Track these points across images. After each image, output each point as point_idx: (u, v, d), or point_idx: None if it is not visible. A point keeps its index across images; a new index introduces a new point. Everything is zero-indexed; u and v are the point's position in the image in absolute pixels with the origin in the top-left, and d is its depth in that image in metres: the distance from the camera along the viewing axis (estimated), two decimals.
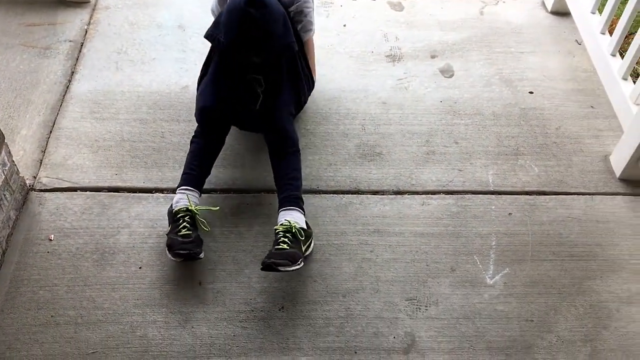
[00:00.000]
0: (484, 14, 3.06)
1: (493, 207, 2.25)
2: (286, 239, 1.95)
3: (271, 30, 2.03)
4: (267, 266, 1.90)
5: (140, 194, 2.24)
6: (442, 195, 2.28)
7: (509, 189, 2.30)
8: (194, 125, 2.23)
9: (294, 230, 1.97)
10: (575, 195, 2.29)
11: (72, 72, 2.67)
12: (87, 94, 2.58)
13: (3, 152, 2.04)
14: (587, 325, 1.96)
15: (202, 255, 2.01)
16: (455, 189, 2.30)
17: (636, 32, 2.34)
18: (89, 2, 3.01)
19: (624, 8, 2.46)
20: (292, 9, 2.16)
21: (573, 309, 1.99)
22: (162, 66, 2.71)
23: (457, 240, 2.15)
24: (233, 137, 2.40)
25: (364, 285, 2.02)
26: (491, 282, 2.05)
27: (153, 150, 2.37)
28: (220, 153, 2.27)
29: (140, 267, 2.05)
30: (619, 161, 2.34)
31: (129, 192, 2.25)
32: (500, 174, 2.35)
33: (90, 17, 2.95)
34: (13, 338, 1.88)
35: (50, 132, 2.43)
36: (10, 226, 2.10)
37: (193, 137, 2.20)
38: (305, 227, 2.03)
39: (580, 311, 1.99)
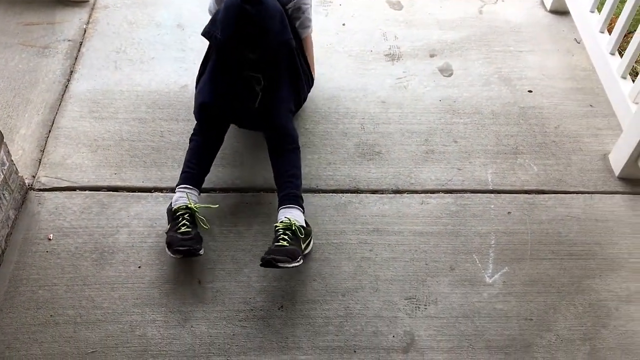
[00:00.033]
0: (483, 13, 3.06)
1: (492, 206, 2.25)
2: (286, 236, 1.95)
3: (268, 27, 2.03)
4: (266, 262, 1.90)
5: (139, 193, 2.24)
6: (441, 194, 2.28)
7: (508, 187, 2.30)
8: (193, 124, 2.23)
9: (293, 228, 1.97)
10: (575, 194, 2.29)
11: (71, 72, 2.67)
12: (86, 93, 2.58)
13: (2, 152, 2.04)
14: (586, 324, 1.96)
15: (201, 252, 2.01)
16: (455, 187, 2.30)
17: (635, 30, 2.34)
18: (88, 1, 3.00)
19: (623, 7, 2.46)
20: (289, 5, 2.16)
21: (572, 307, 1.99)
22: (161, 65, 2.71)
23: (456, 239, 2.15)
24: (232, 136, 2.40)
25: (363, 285, 2.03)
26: (490, 281, 2.05)
27: (152, 150, 2.37)
28: (220, 152, 2.27)
29: (139, 267, 2.05)
30: (618, 160, 2.34)
31: (128, 192, 2.25)
32: (500, 172, 2.35)
33: (89, 17, 2.95)
34: (12, 337, 1.88)
35: (49, 131, 2.43)
36: (10, 225, 2.10)
37: (192, 134, 2.20)
38: (304, 225, 2.03)
39: (579, 310, 1.99)
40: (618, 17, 2.48)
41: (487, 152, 2.42)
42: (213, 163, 2.20)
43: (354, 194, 2.27)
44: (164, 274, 2.03)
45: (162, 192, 2.24)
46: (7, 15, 2.92)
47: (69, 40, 2.82)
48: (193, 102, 2.26)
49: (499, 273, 2.07)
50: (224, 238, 2.12)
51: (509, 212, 2.23)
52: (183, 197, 2.05)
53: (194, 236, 1.99)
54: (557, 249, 2.13)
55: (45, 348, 1.86)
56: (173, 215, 2.02)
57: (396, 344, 1.90)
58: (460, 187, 2.30)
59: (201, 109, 2.18)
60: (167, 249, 1.99)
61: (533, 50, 2.85)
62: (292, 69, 2.27)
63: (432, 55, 2.82)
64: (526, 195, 2.28)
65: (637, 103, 2.30)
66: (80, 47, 2.79)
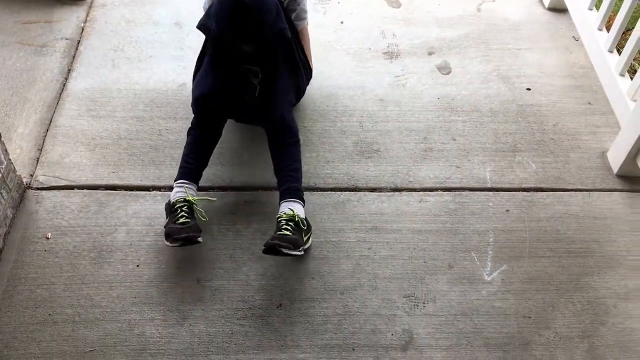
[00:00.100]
0: (482, 11, 3.05)
1: (490, 204, 2.25)
2: (289, 227, 1.96)
3: (263, 19, 2.03)
4: (269, 247, 1.90)
5: (137, 192, 2.24)
6: (440, 192, 2.28)
7: (507, 185, 2.30)
8: (191, 122, 2.23)
9: (296, 219, 1.98)
10: (573, 192, 2.29)
11: (69, 70, 2.67)
12: (84, 92, 2.57)
13: (0, 150, 2.04)
14: (584, 321, 1.96)
15: (200, 240, 2.00)
16: (453, 185, 2.30)
17: (633, 28, 2.34)
18: None
19: (621, 4, 2.46)
20: None
21: (570, 305, 1.99)
22: (158, 64, 2.70)
23: (455, 237, 2.15)
24: (231, 135, 2.40)
25: (362, 283, 2.03)
26: (489, 279, 2.05)
27: (150, 148, 2.37)
28: (218, 150, 2.26)
29: (137, 265, 2.05)
30: (616, 157, 2.34)
31: (126, 190, 2.25)
32: (498, 170, 2.35)
33: (87, 15, 2.94)
34: (11, 336, 1.88)
35: (47, 130, 2.43)
36: (8, 224, 2.10)
37: (190, 128, 2.20)
38: (305, 218, 2.04)
39: (577, 307, 1.99)
40: (616, 14, 2.48)
41: (485, 150, 2.42)
42: (211, 161, 2.20)
43: (352, 192, 2.27)
44: (163, 273, 2.03)
45: (160, 191, 2.24)
46: (5, 14, 2.92)
47: (66, 39, 2.81)
48: (191, 101, 2.25)
49: (498, 271, 2.07)
50: (222, 237, 2.12)
51: (507, 210, 2.23)
52: (181, 191, 2.05)
53: (193, 226, 1.99)
54: (556, 246, 2.14)
55: (43, 347, 1.86)
56: (171, 208, 2.03)
57: (395, 342, 1.90)
58: (458, 185, 2.30)
59: (198, 102, 2.18)
60: (165, 240, 1.98)
61: (531, 48, 2.85)
62: (290, 60, 2.27)
63: (430, 53, 2.82)
64: (524, 193, 2.28)
65: (635, 100, 2.30)
66: (77, 46, 2.78)
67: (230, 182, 2.28)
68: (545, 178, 2.33)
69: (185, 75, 2.63)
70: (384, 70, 2.73)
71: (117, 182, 2.27)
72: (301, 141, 2.21)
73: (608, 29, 2.57)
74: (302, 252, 1.96)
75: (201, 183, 2.15)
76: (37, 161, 2.32)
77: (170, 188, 2.14)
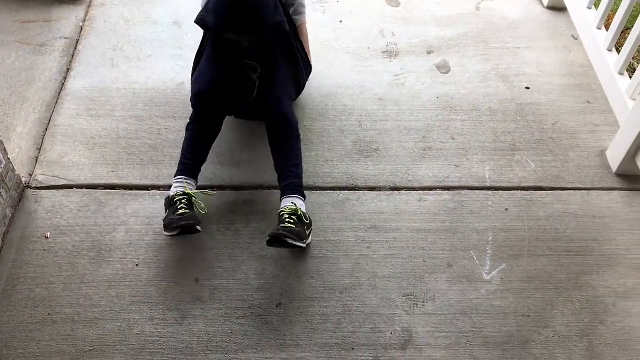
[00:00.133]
0: (480, 10, 3.05)
1: (490, 203, 2.25)
2: (292, 220, 1.97)
3: (261, 12, 2.04)
4: (274, 237, 1.91)
5: (136, 191, 2.24)
6: (439, 191, 2.28)
7: (506, 184, 2.30)
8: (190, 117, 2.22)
9: (299, 213, 1.99)
10: (572, 191, 2.30)
11: (68, 69, 2.67)
12: (83, 91, 2.57)
13: None
14: (583, 320, 1.96)
15: (199, 229, 2.01)
16: (452, 184, 2.30)
17: (632, 27, 2.34)
18: None
19: (620, 3, 2.46)
20: None
21: (570, 304, 2.00)
22: (157, 63, 2.70)
23: (454, 236, 2.15)
24: (230, 134, 2.40)
25: (361, 282, 2.03)
26: (488, 278, 2.05)
27: (149, 148, 2.37)
28: (217, 150, 2.26)
29: (137, 265, 2.05)
30: (615, 156, 2.34)
31: (126, 190, 2.25)
32: (497, 169, 2.35)
33: (86, 14, 2.94)
34: (10, 336, 1.88)
35: (46, 129, 2.43)
36: (7, 224, 2.10)
37: (188, 124, 2.20)
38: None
39: (576, 306, 1.99)
40: (615, 13, 2.48)
41: (484, 149, 2.42)
42: (210, 160, 2.20)
43: (351, 192, 2.27)
44: (162, 272, 2.03)
45: (159, 190, 2.24)
46: (4, 13, 2.91)
47: (65, 38, 2.81)
48: (190, 97, 2.24)
49: (497, 270, 2.07)
50: (221, 236, 2.12)
51: (506, 209, 2.23)
52: (181, 186, 2.07)
53: (192, 216, 2.00)
54: (555, 245, 2.14)
55: (43, 346, 1.86)
56: (170, 201, 2.04)
57: (394, 340, 1.90)
58: (457, 184, 2.30)
59: (197, 98, 2.18)
60: (164, 231, 2.00)
61: (530, 47, 2.85)
62: (289, 55, 2.27)
63: (429, 52, 2.82)
64: (524, 192, 2.28)
65: (634, 99, 2.30)
66: (76, 45, 2.78)
67: (230, 182, 2.28)
68: (544, 177, 2.33)
69: (184, 74, 2.63)
70: (383, 69, 2.73)
71: (116, 181, 2.27)
72: (301, 137, 2.20)
73: (607, 28, 2.57)
74: (305, 245, 1.98)
75: (200, 183, 2.15)
76: (36, 160, 2.32)
77: (170, 187, 2.14)
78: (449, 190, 2.28)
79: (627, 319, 1.97)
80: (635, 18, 2.37)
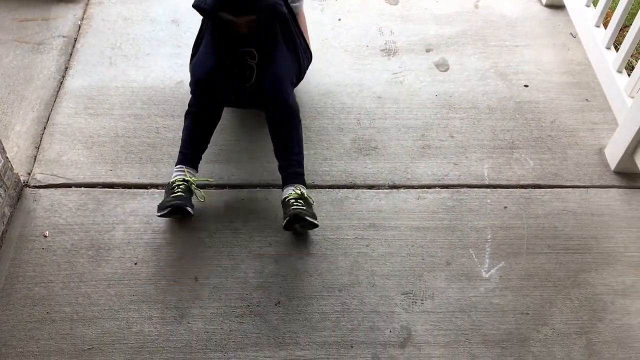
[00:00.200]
0: (479, 8, 3.05)
1: (488, 201, 2.25)
2: (299, 203, 2.00)
3: None
4: (295, 217, 1.96)
5: (135, 190, 2.24)
6: (438, 189, 2.28)
7: (504, 182, 2.31)
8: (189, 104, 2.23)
9: (305, 196, 2.03)
10: (571, 189, 2.30)
11: (66, 68, 2.66)
12: (81, 90, 2.57)
13: None
14: (582, 317, 1.96)
15: (190, 211, 2.02)
16: (451, 182, 2.30)
17: (630, 24, 2.34)
18: None
19: (618, 1, 2.46)
20: None
21: (568, 301, 2.00)
22: (156, 61, 2.70)
23: (453, 234, 2.15)
24: (229, 133, 2.40)
25: (360, 280, 2.03)
26: (487, 276, 2.05)
27: (148, 146, 2.37)
28: (215, 148, 2.26)
29: (135, 263, 2.04)
30: (613, 154, 2.34)
31: (124, 188, 2.24)
32: (496, 167, 2.35)
33: (84, 13, 2.93)
34: (9, 335, 1.88)
35: (44, 128, 2.42)
36: (5, 223, 2.10)
37: (187, 112, 2.20)
38: None
39: (575, 304, 1.99)
40: (613, 11, 2.48)
41: (483, 146, 2.42)
42: (209, 159, 2.20)
43: (350, 190, 2.27)
44: (161, 271, 2.03)
45: (158, 189, 2.24)
46: (2, 12, 2.91)
47: (63, 37, 2.80)
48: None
49: (496, 268, 2.07)
50: (220, 234, 2.12)
51: (505, 207, 2.23)
52: (181, 173, 2.09)
53: (186, 198, 2.02)
54: (553, 243, 2.14)
55: (41, 345, 1.86)
56: (169, 187, 2.06)
57: (393, 338, 1.90)
58: (456, 182, 2.30)
59: (197, 85, 2.17)
60: (157, 212, 2.03)
61: (529, 45, 2.85)
62: (289, 40, 2.26)
63: (428, 50, 2.82)
64: (522, 190, 2.29)
65: (632, 97, 2.31)
66: (75, 44, 2.78)
67: (228, 180, 2.27)
68: (542, 175, 2.33)
69: (182, 72, 2.63)
70: (382, 67, 2.73)
71: (114, 180, 2.26)
72: (302, 123, 2.20)
73: (605, 26, 2.57)
74: (318, 226, 2.04)
75: (199, 182, 2.15)
76: (35, 159, 2.32)
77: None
78: (447, 188, 2.28)
79: (625, 317, 1.97)
80: (633, 16, 2.37)
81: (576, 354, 1.88)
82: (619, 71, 2.44)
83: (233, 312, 1.94)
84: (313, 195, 2.22)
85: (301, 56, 2.33)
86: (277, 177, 2.19)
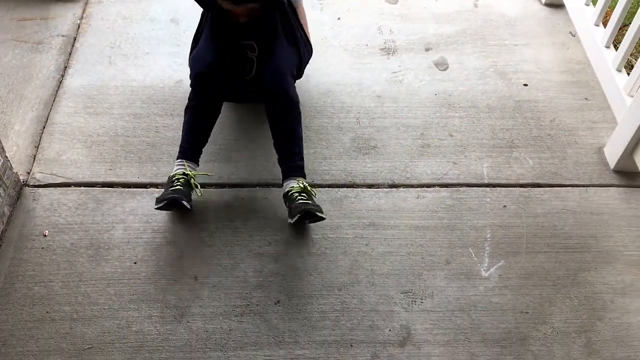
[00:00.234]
0: (478, 7, 3.05)
1: (488, 200, 2.25)
2: (303, 197, 2.02)
3: None
4: (305, 213, 1.96)
5: (134, 189, 2.24)
6: (437, 188, 2.28)
7: (504, 181, 2.31)
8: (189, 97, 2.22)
9: (307, 190, 2.04)
10: (570, 187, 2.30)
11: (65, 67, 2.66)
12: (81, 89, 2.56)
13: None
14: (581, 316, 1.97)
15: (186, 205, 2.03)
16: (450, 181, 2.30)
17: (630, 23, 2.34)
18: None
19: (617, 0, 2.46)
20: None
21: (568, 300, 2.00)
22: (155, 60, 2.70)
23: (452, 233, 2.15)
24: (228, 132, 2.40)
25: (360, 279, 2.03)
26: (486, 275, 2.05)
27: (147, 145, 2.37)
28: (215, 147, 2.26)
29: (135, 262, 2.04)
30: (613, 153, 2.34)
31: (124, 187, 2.24)
32: (495, 166, 2.35)
33: (83, 12, 2.93)
34: (8, 334, 1.88)
35: (44, 127, 2.42)
36: (4, 222, 2.10)
37: (186, 107, 2.20)
38: None
39: (574, 303, 2.00)
40: (613, 10, 2.48)
41: (482, 145, 2.42)
42: (208, 158, 2.20)
43: (349, 189, 2.27)
44: (160, 270, 2.03)
45: (157, 188, 2.23)
46: (1, 11, 2.91)
47: (62, 36, 2.80)
48: (189, 77, 2.22)
49: (495, 266, 2.07)
50: (220, 233, 2.12)
51: (504, 206, 2.23)
52: (181, 167, 2.10)
53: (184, 193, 2.03)
54: (553, 242, 2.14)
55: (41, 344, 1.86)
56: (169, 180, 2.07)
57: (392, 337, 1.91)
58: (456, 181, 2.30)
59: (197, 79, 2.17)
60: (154, 205, 2.04)
61: (528, 44, 2.85)
62: (289, 32, 2.26)
63: (427, 49, 2.82)
64: (522, 189, 2.29)
65: (632, 96, 2.31)
66: (74, 43, 2.78)
67: (228, 179, 2.27)
68: (542, 174, 2.33)
69: (181, 71, 2.62)
70: (381, 66, 2.72)
71: (114, 179, 2.26)
72: (302, 115, 2.20)
73: (605, 25, 2.57)
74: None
75: (198, 180, 2.15)
76: (34, 158, 2.31)
77: None
78: (447, 187, 2.28)
79: (624, 315, 1.97)
80: (633, 15, 2.37)
81: (575, 352, 1.89)
82: (619, 70, 2.44)
83: (233, 311, 1.94)
84: None
85: (302, 49, 2.33)
86: (277, 176, 2.19)
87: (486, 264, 2.08)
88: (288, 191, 2.05)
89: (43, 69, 2.64)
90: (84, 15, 2.91)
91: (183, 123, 2.18)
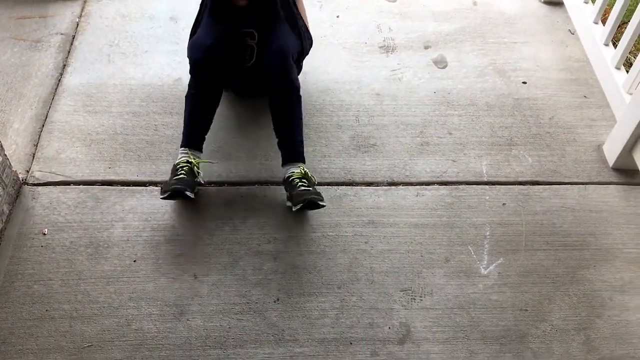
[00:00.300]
0: (477, 5, 3.05)
1: (487, 198, 2.25)
2: (304, 183, 2.03)
3: None
4: (308, 203, 1.98)
5: (133, 187, 2.24)
6: (436, 186, 2.28)
7: (503, 179, 2.31)
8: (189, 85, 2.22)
9: (308, 176, 2.06)
10: (569, 185, 2.30)
11: (64, 65, 2.66)
12: (80, 87, 2.56)
13: None
14: (580, 314, 1.97)
15: (189, 195, 2.04)
16: (449, 179, 2.30)
17: (629, 21, 2.34)
18: None
19: None
20: None
21: (567, 298, 2.00)
22: (154, 59, 2.70)
23: (452, 230, 2.15)
24: (227, 130, 2.40)
25: (359, 277, 2.03)
26: (485, 272, 2.05)
27: (146, 143, 2.37)
28: (214, 146, 2.26)
29: (134, 261, 2.04)
30: (612, 150, 2.34)
31: (123, 186, 2.24)
32: (494, 164, 2.35)
33: (82, 10, 2.93)
34: (8, 332, 1.88)
35: (43, 125, 2.42)
36: (4, 221, 2.10)
37: (187, 94, 2.20)
38: None
39: (574, 300, 2.00)
40: (612, 7, 2.48)
41: (481, 143, 2.42)
42: (207, 157, 2.20)
43: (349, 187, 2.27)
44: (160, 268, 2.03)
45: (156, 186, 2.23)
46: None
47: (61, 34, 2.80)
48: (188, 58, 2.21)
49: (494, 264, 2.07)
50: (219, 231, 2.12)
51: (503, 204, 2.24)
52: (185, 155, 2.12)
53: (188, 182, 2.05)
54: (552, 239, 2.14)
55: (41, 343, 1.86)
56: (174, 169, 2.10)
57: (392, 335, 1.91)
58: (455, 179, 2.30)
59: (196, 66, 2.16)
60: (160, 195, 2.07)
61: (527, 42, 2.85)
62: (290, 18, 2.26)
63: (426, 47, 2.82)
64: (521, 187, 2.29)
65: (631, 94, 2.31)
66: (73, 41, 2.77)
67: (227, 177, 2.27)
68: (541, 171, 2.34)
69: (180, 69, 2.62)
70: (380, 64, 2.72)
71: (113, 177, 2.26)
72: (302, 100, 2.21)
73: (604, 23, 2.58)
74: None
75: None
76: (33, 157, 2.31)
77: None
78: (446, 185, 2.29)
79: (623, 313, 1.98)
80: (631, 12, 2.37)
81: (574, 350, 1.89)
82: (618, 68, 2.44)
83: (232, 309, 1.94)
84: None
85: (303, 35, 2.33)
86: (276, 175, 2.19)
87: (485, 262, 2.08)
88: (289, 177, 2.06)
89: (42, 67, 2.64)
90: (83, 14, 2.91)
91: (184, 111, 2.19)
